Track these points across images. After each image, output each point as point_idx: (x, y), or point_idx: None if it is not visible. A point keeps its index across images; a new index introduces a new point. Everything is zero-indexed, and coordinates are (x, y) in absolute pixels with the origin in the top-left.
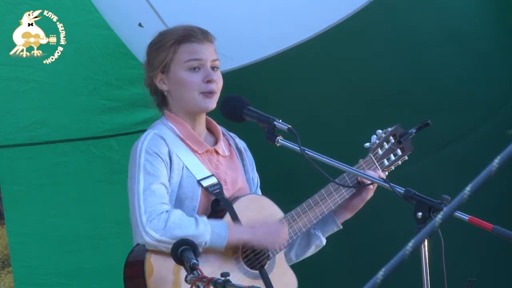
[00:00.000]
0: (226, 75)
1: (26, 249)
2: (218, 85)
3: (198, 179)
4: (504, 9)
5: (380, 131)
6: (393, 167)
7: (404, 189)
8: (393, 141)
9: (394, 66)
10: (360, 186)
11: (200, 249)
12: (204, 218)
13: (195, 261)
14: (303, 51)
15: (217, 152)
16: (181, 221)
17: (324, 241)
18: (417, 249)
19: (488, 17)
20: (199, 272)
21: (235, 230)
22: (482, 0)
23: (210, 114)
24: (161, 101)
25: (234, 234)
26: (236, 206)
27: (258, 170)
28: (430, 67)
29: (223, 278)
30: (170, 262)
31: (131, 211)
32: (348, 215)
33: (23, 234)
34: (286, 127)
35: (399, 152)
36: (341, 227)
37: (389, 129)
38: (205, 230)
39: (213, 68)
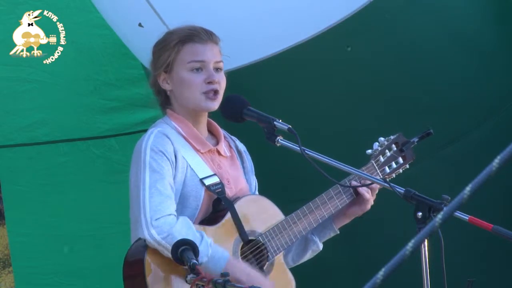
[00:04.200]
0: (226, 75)
1: (27, 249)
2: (220, 85)
3: (200, 177)
4: (506, 9)
5: (382, 138)
6: (394, 175)
7: (404, 189)
8: (395, 149)
9: (394, 66)
10: (359, 186)
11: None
12: (210, 240)
13: (195, 261)
14: (303, 51)
15: (218, 153)
16: (187, 234)
17: (321, 246)
18: (417, 249)
19: (489, 17)
20: (199, 272)
21: (232, 266)
22: (484, 0)
23: (212, 114)
24: (164, 101)
25: (229, 269)
26: (237, 205)
27: (258, 170)
28: (431, 67)
29: (223, 278)
30: (169, 260)
31: (134, 208)
32: (346, 221)
33: (23, 234)
34: (286, 127)
35: (400, 160)
36: (338, 232)
37: (392, 137)
38: (204, 252)
39: (216, 69)
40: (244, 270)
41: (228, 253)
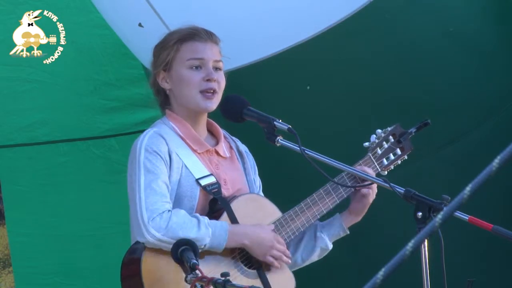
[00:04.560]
0: (226, 75)
1: (27, 249)
2: (219, 85)
3: (196, 178)
4: (505, 9)
5: (379, 130)
6: (392, 167)
7: (404, 189)
8: (392, 140)
9: (394, 66)
10: (359, 186)
11: (199, 250)
12: (206, 220)
13: (195, 261)
14: (303, 51)
15: (217, 153)
16: (184, 222)
17: (330, 245)
18: (417, 249)
19: (488, 17)
20: (199, 272)
21: (235, 234)
22: (484, 0)
23: (212, 115)
24: (164, 100)
25: (233, 239)
26: (234, 205)
27: (258, 170)
28: (431, 67)
29: (223, 278)
30: (167, 262)
31: (131, 209)
32: (354, 219)
33: (23, 234)
34: (286, 127)
35: (398, 151)
36: (348, 232)
37: (389, 128)
38: (206, 233)
39: (215, 68)
40: (246, 236)
41: (226, 223)
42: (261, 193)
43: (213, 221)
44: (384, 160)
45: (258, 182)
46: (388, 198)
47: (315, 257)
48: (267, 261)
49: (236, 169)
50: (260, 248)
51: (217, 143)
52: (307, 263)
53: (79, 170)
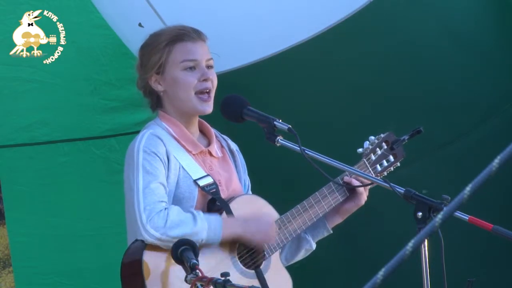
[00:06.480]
0: (226, 75)
1: (27, 249)
2: (213, 83)
3: (194, 179)
4: (504, 9)
5: (372, 137)
6: (385, 173)
7: (404, 189)
8: (385, 147)
9: (394, 66)
10: (356, 186)
11: (197, 245)
12: (201, 214)
13: (195, 261)
14: (303, 51)
15: (210, 154)
16: (180, 219)
17: (314, 246)
18: (417, 249)
19: (488, 17)
20: (199, 272)
21: (229, 225)
22: (483, 0)
23: (210, 114)
24: (156, 102)
25: (228, 229)
26: (232, 206)
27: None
28: (430, 67)
29: (223, 278)
30: (168, 260)
31: (129, 210)
32: (339, 220)
33: (23, 234)
34: (286, 127)
35: (391, 158)
36: (331, 231)
37: (382, 135)
38: (202, 227)
39: (207, 67)
40: (240, 225)
41: (219, 217)
42: (250, 192)
43: (208, 215)
44: (378, 166)
45: (247, 181)
46: (388, 198)
47: (299, 257)
48: (261, 247)
49: (229, 169)
50: (255, 236)
51: (209, 143)
52: (291, 263)
53: (79, 170)
